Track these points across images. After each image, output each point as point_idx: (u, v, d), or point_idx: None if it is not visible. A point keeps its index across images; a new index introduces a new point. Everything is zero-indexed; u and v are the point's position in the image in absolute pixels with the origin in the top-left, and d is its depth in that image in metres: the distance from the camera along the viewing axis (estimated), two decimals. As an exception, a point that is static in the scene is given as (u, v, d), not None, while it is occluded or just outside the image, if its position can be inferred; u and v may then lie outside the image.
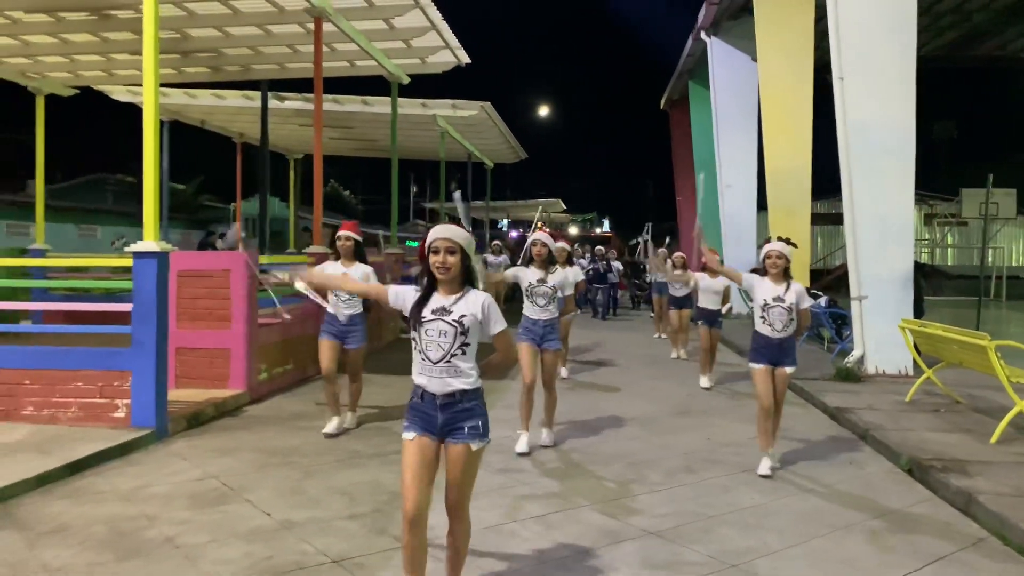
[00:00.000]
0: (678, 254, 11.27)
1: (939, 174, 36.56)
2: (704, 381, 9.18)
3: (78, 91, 13.00)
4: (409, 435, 3.18)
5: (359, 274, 6.27)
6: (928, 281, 14.50)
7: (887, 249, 9.85)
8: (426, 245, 3.20)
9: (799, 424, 7.22)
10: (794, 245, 5.81)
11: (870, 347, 9.82)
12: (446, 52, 11.47)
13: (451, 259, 3.16)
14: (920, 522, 4.63)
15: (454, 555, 3.30)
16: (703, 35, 19.63)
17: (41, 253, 11.97)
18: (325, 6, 8.87)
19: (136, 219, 32.72)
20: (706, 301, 9.33)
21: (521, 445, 5.90)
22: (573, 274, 7.54)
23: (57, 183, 35.11)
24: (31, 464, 4.86)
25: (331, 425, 6.34)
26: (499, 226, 42.62)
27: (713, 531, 4.31)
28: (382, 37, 10.64)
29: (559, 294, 6.24)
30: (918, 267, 11.41)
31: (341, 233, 6.48)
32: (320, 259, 9.52)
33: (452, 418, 3.16)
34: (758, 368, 5.55)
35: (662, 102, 29.44)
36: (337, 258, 6.49)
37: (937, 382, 8.29)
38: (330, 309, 6.32)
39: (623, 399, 8.31)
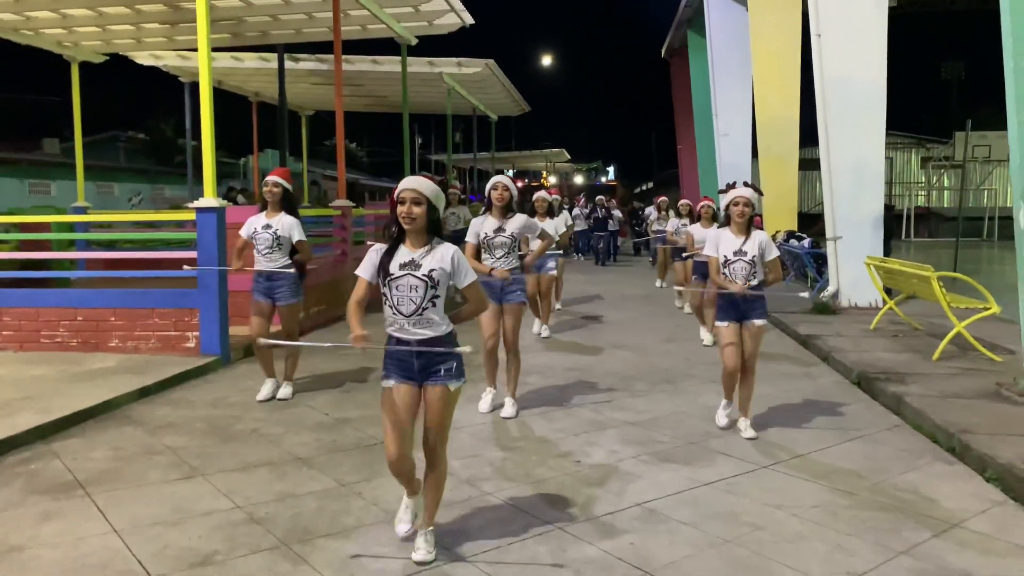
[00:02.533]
0: (683, 201, 11.44)
1: (948, 115, 36.75)
2: (704, 337, 8.56)
3: (108, 57, 13.89)
4: (389, 382, 3.25)
5: (282, 226, 5.74)
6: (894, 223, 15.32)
7: (860, 194, 10.79)
8: (394, 196, 3.20)
9: (769, 349, 8.23)
10: (760, 192, 5.54)
11: (844, 283, 10.83)
12: (451, 15, 12.27)
13: (416, 210, 3.15)
14: (854, 416, 5.68)
15: (430, 499, 3.32)
16: (700, -14, 20.23)
17: (82, 210, 12.98)
18: (342, -23, 9.70)
19: (149, 175, 33.23)
20: (704, 253, 9.83)
21: (484, 404, 5.58)
22: (552, 225, 7.23)
23: (68, 140, 35.79)
24: (131, 381, 5.99)
25: (264, 390, 5.87)
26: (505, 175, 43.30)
27: (681, 422, 5.39)
28: (392, 3, 11.46)
29: (516, 245, 5.51)
30: (887, 209, 12.36)
31: (268, 179, 5.85)
32: (346, 212, 10.59)
33: (428, 362, 3.22)
34: (724, 325, 5.12)
35: (663, 51, 29.95)
36: (264, 207, 5.90)
37: (898, 311, 9.29)
38: (255, 263, 5.85)
39: (619, 330, 9.36)
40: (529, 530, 3.58)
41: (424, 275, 3.16)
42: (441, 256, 3.20)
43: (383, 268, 3.20)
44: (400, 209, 3.16)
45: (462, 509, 3.82)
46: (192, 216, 6.95)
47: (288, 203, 5.85)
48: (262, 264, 5.77)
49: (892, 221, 13.01)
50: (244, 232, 5.84)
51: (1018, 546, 3.51)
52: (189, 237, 8.06)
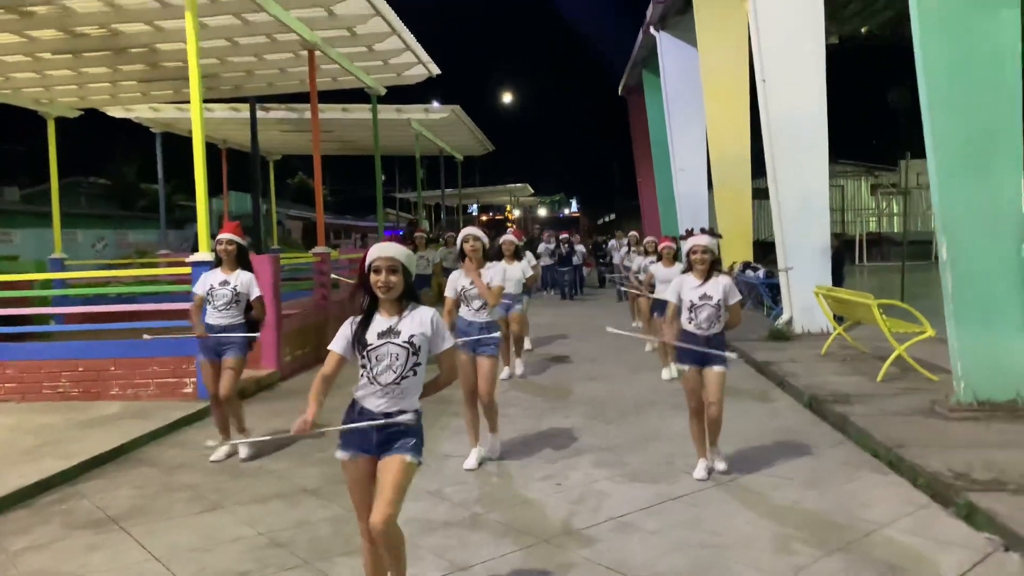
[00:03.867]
0: (648, 239, 11.49)
1: (897, 142, 38.12)
2: (665, 374, 8.78)
3: (82, 112, 14.31)
4: (345, 454, 3.15)
5: (240, 282, 5.76)
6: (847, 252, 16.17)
7: (808, 225, 11.56)
8: (365, 264, 3.09)
9: (730, 374, 8.81)
10: (718, 235, 5.77)
11: (796, 310, 11.57)
12: (419, 67, 12.97)
13: (393, 278, 3.06)
14: (803, 435, 6.29)
15: (390, 569, 3.16)
16: (652, 30, 21.20)
17: (59, 263, 13.28)
18: (316, 40, 10.31)
19: (111, 221, 32.94)
20: (662, 292, 9.50)
21: (470, 461, 5.50)
22: (519, 269, 7.42)
23: (27, 187, 35.56)
24: (139, 426, 6.41)
25: (219, 452, 5.80)
26: (469, 211, 44.09)
27: (648, 445, 5.97)
28: (363, 58, 12.10)
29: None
30: (836, 237, 13.21)
31: (222, 236, 5.84)
32: (324, 258, 11.08)
33: (389, 437, 3.10)
34: (684, 369, 5.23)
35: (619, 88, 31.06)
36: (217, 264, 5.88)
37: (847, 337, 9.99)
38: (206, 319, 5.76)
39: (589, 363, 9.94)
40: (518, 543, 4.10)
41: (405, 342, 3.07)
42: (420, 320, 3.13)
43: (358, 340, 3.09)
44: (376, 279, 3.06)
45: (459, 528, 4.33)
46: (187, 270, 7.41)
47: (243, 258, 5.87)
48: (215, 319, 5.70)
49: (843, 249, 13.82)
50: (199, 289, 5.81)
51: (937, 540, 4.11)
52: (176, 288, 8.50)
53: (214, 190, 37.11)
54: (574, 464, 5.52)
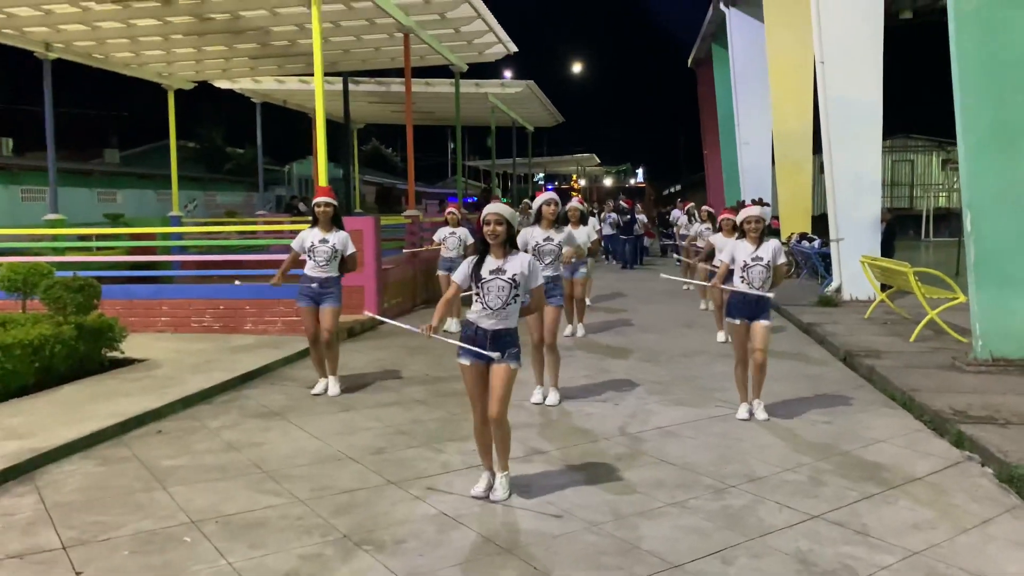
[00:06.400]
0: (705, 208, 12.54)
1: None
2: (720, 336, 9.30)
3: (196, 85, 15.91)
4: (465, 361, 4.13)
5: (338, 240, 6.42)
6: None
7: (859, 200, 12.32)
8: (480, 219, 4.07)
9: (774, 334, 9.77)
10: (767, 205, 6.45)
11: (845, 279, 12.39)
12: (499, 46, 14.09)
13: (500, 229, 4.06)
14: (831, 381, 7.28)
15: (501, 452, 4.24)
16: (721, 5, 21.75)
17: (177, 219, 15.01)
18: (411, 24, 11.52)
19: (200, 183, 34.77)
20: (719, 259, 10.54)
21: (536, 396, 6.32)
22: (585, 233, 7.96)
23: (125, 150, 37.88)
24: (274, 353, 7.89)
25: (318, 386, 6.62)
26: (536, 179, 45.12)
27: (694, 382, 7.09)
28: (449, 39, 13.29)
29: (560, 253, 6.36)
30: (889, 212, 13.92)
31: (319, 200, 6.50)
32: (415, 220, 12.41)
33: (497, 348, 4.08)
34: (735, 323, 5.88)
35: (689, 61, 31.49)
36: (315, 224, 6.50)
37: (890, 303, 10.82)
38: (306, 271, 6.44)
39: (644, 317, 11.05)
40: (583, 439, 5.32)
41: (509, 278, 4.05)
42: (520, 263, 4.10)
43: (476, 274, 4.09)
44: (486, 229, 4.07)
45: (534, 428, 5.56)
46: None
47: (337, 219, 6.52)
48: (316, 272, 6.38)
49: (894, 223, 14.47)
50: (296, 245, 6.50)
51: (921, 453, 5.14)
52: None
53: (290, 155, 38.90)
54: (629, 392, 6.70)
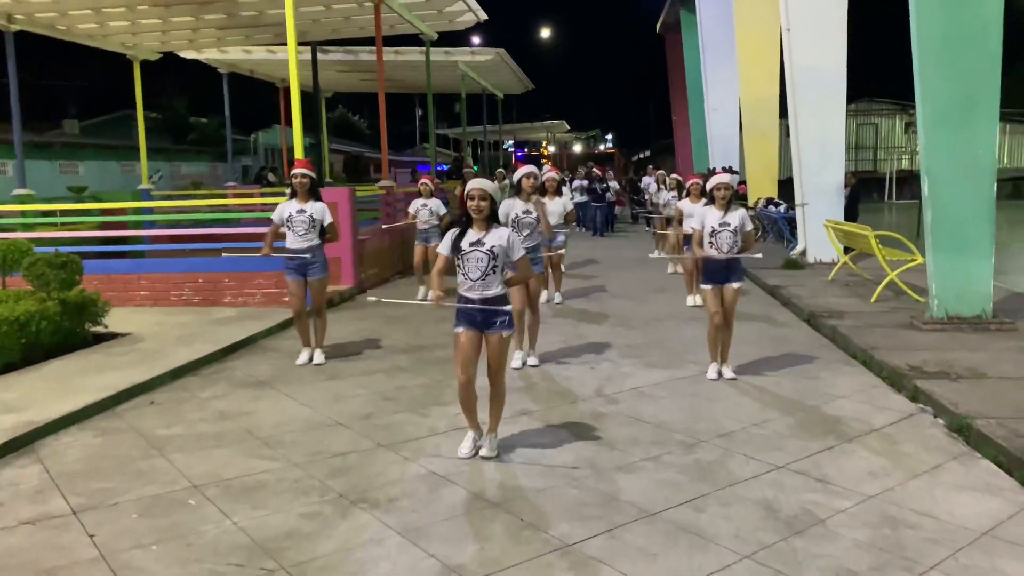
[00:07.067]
0: (673, 176, 12.84)
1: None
2: (689, 300, 9.63)
3: (161, 55, 15.69)
4: (459, 328, 4.37)
5: (315, 210, 6.49)
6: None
7: (824, 166, 12.66)
8: (464, 193, 4.79)
9: (742, 297, 10.14)
10: (735, 172, 7.37)
11: (810, 242, 12.78)
12: (469, 14, 14.09)
13: (483, 203, 4.27)
14: (795, 341, 7.64)
15: (494, 412, 4.54)
16: (689, -30, 21.81)
17: (147, 193, 14.92)
18: (382, -6, 11.52)
19: (164, 154, 34.20)
20: (690, 224, 11.08)
21: (515, 361, 6.54)
22: (561, 203, 8.22)
23: (84, 120, 36.98)
24: (257, 325, 8.01)
25: (302, 356, 6.78)
26: (505, 146, 45.05)
27: (665, 345, 7.39)
28: (419, 7, 13.28)
29: (538, 224, 6.53)
30: (852, 176, 14.30)
31: (296, 171, 6.58)
32: (389, 191, 12.49)
33: (488, 316, 4.33)
34: (708, 288, 6.17)
35: (658, 26, 31.58)
36: (292, 196, 6.61)
37: (852, 265, 11.21)
38: (287, 244, 6.54)
39: (617, 284, 11.33)
40: (563, 400, 5.59)
41: (487, 250, 4.26)
42: (499, 236, 4.31)
43: (456, 246, 4.30)
44: (471, 204, 4.29)
45: (516, 392, 5.81)
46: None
47: (314, 189, 6.60)
48: (297, 244, 6.48)
49: (858, 187, 14.88)
50: (276, 217, 6.61)
51: (879, 407, 5.48)
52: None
53: (256, 123, 38.14)
54: (604, 356, 6.98)
